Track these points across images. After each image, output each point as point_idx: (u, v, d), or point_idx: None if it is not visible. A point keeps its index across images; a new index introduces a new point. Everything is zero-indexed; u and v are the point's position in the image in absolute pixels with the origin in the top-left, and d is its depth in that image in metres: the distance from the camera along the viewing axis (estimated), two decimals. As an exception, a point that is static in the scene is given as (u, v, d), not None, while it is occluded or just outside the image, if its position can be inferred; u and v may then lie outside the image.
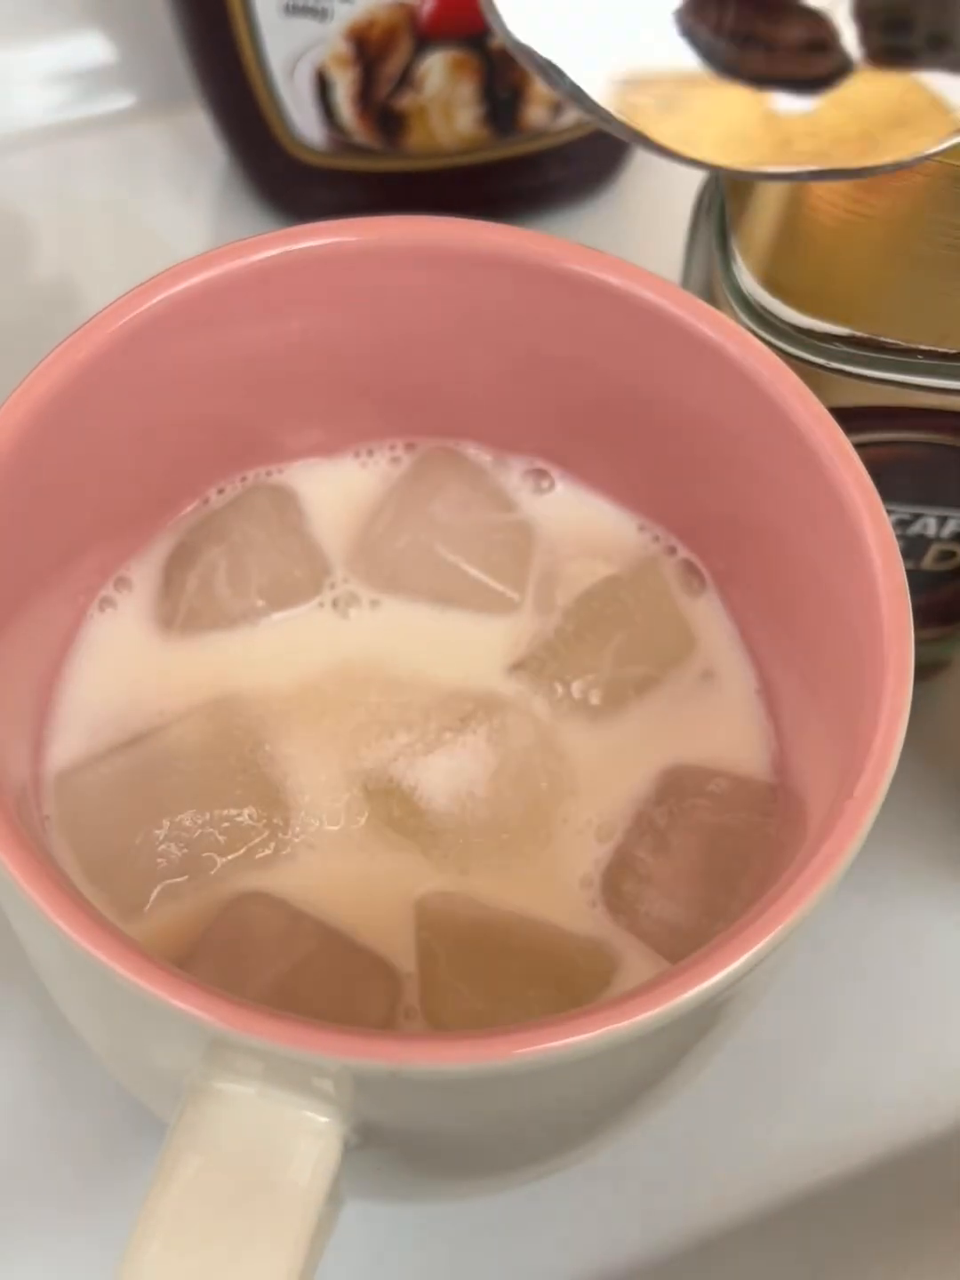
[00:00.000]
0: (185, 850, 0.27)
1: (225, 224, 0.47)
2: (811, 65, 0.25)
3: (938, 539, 0.32)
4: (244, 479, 0.32)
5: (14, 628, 0.27)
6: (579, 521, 0.32)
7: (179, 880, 0.27)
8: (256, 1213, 0.22)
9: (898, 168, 0.25)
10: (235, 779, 0.28)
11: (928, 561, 0.33)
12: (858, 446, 0.26)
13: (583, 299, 0.28)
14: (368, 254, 0.28)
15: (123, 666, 0.30)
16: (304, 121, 0.42)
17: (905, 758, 0.24)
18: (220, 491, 0.32)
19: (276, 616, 0.31)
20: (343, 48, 0.40)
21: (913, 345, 0.28)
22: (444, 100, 0.42)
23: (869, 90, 0.25)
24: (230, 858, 0.28)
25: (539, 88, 0.42)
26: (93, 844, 0.27)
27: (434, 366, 0.30)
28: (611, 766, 0.29)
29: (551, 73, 0.25)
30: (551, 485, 0.32)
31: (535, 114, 0.43)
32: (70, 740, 0.29)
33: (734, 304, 0.29)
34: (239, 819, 0.28)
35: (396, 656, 0.30)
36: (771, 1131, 0.35)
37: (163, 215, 0.47)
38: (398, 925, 0.27)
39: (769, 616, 0.30)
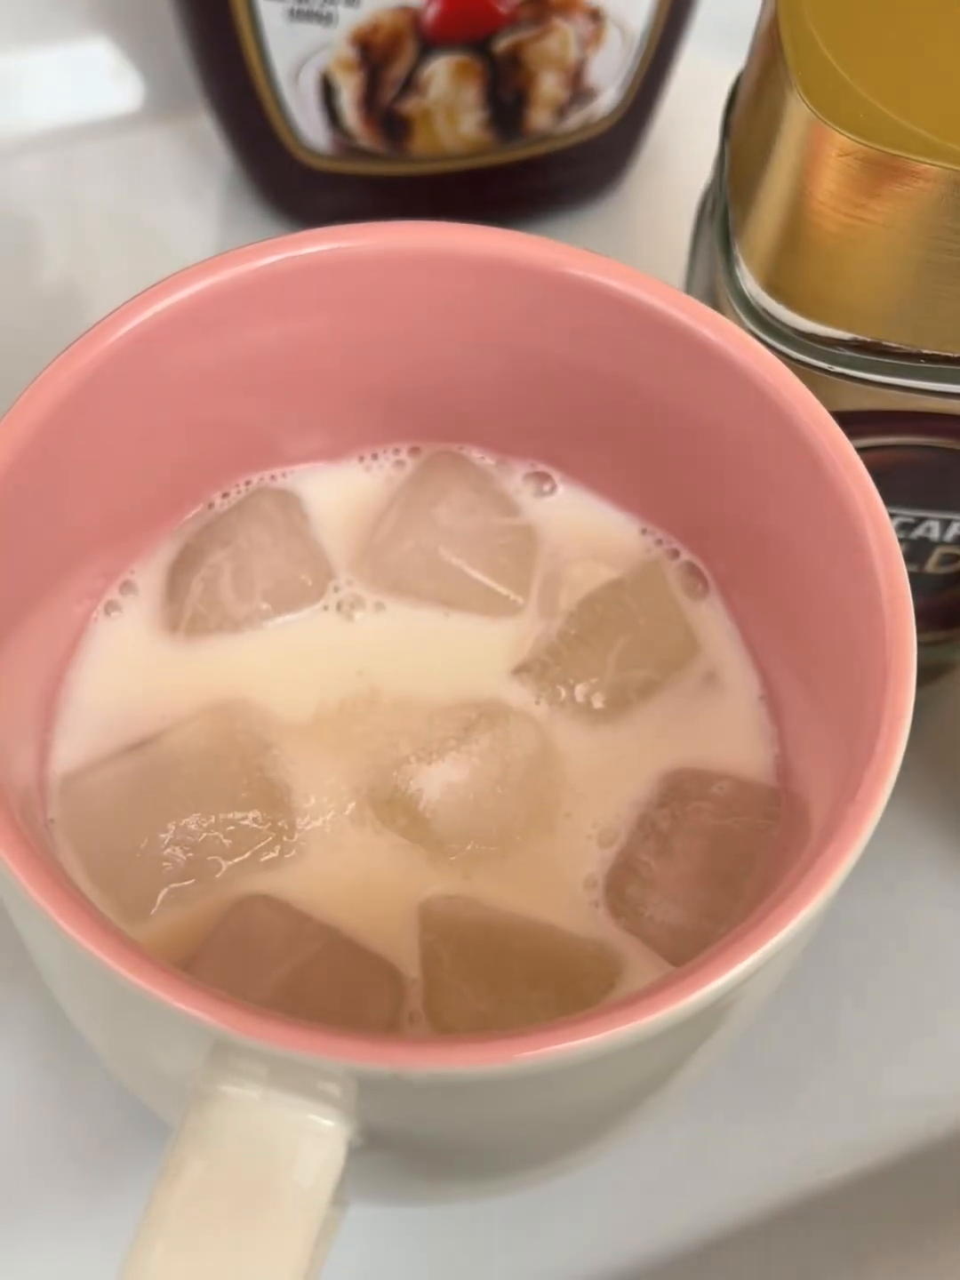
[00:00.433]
0: (190, 854, 0.27)
1: (230, 228, 0.47)
2: None
3: (941, 543, 0.32)
4: (248, 483, 0.32)
5: (20, 631, 0.27)
6: (581, 524, 0.32)
7: (184, 884, 0.27)
8: (260, 1215, 0.22)
9: None
10: (240, 782, 0.28)
11: (931, 565, 0.33)
12: (861, 450, 0.26)
13: (586, 303, 0.28)
14: (372, 259, 0.28)
15: (128, 670, 0.30)
16: (309, 125, 0.43)
17: (909, 760, 0.24)
18: (224, 496, 0.32)
19: (281, 620, 0.31)
20: (347, 52, 0.40)
21: (916, 350, 0.28)
22: (448, 104, 0.42)
23: None
24: (235, 861, 0.28)
25: (542, 91, 0.42)
26: (98, 848, 0.28)
27: (438, 371, 0.30)
28: (615, 770, 0.29)
29: None
30: (553, 488, 0.32)
31: (539, 118, 0.43)
32: (75, 744, 0.29)
33: (737, 308, 0.29)
34: (244, 822, 0.28)
35: (401, 660, 0.30)
36: (774, 1134, 0.35)
37: (168, 219, 0.47)
38: (402, 928, 0.27)
39: (772, 620, 0.30)
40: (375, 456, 0.32)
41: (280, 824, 0.28)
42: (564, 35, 0.41)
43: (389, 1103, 0.23)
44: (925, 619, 0.26)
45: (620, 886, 0.28)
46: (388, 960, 0.27)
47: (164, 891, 0.27)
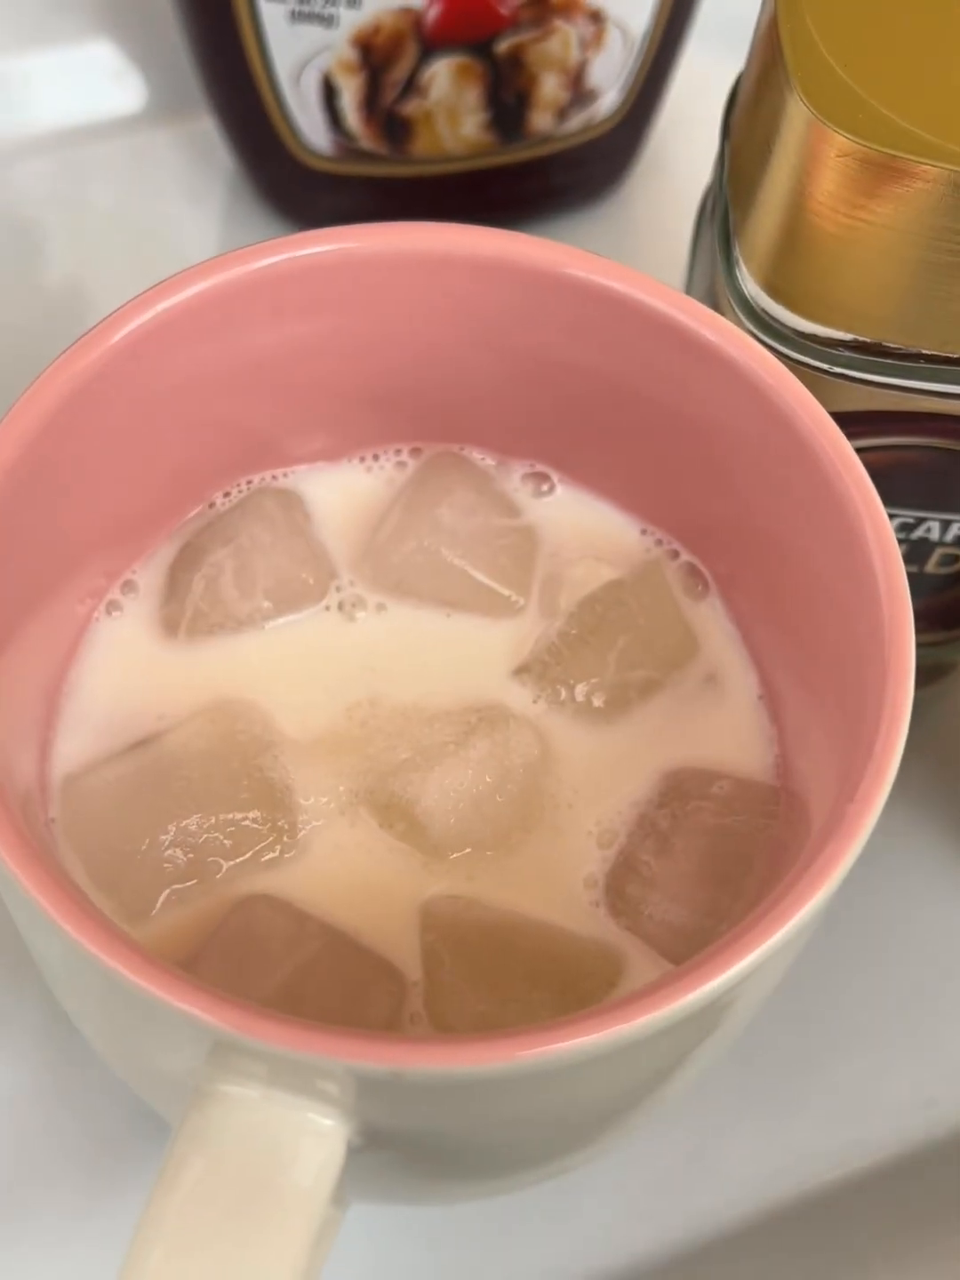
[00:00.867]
0: (191, 855, 0.27)
1: (232, 229, 0.47)
2: None
3: (941, 543, 0.33)
4: (249, 482, 0.32)
5: (22, 632, 0.27)
6: (581, 524, 0.32)
7: (185, 885, 0.27)
8: (260, 1215, 0.22)
9: None
10: (240, 783, 0.28)
11: (931, 566, 0.33)
12: (860, 451, 0.26)
13: (587, 304, 0.28)
14: (374, 260, 0.28)
15: (129, 670, 0.30)
16: (310, 127, 0.43)
17: (910, 760, 0.24)
18: (226, 495, 0.32)
19: (282, 619, 0.31)
20: (349, 54, 0.40)
21: (915, 350, 0.28)
22: (449, 106, 0.42)
23: None
24: (236, 861, 0.28)
25: (544, 93, 0.42)
26: (98, 849, 0.28)
27: (439, 371, 0.31)
28: (615, 769, 0.30)
29: None
30: (551, 488, 0.32)
31: (540, 120, 0.43)
32: (77, 744, 0.29)
33: (737, 309, 0.29)
34: (244, 823, 0.28)
35: (402, 660, 0.30)
36: (776, 1134, 0.35)
37: (170, 220, 0.47)
38: (403, 928, 0.27)
39: (771, 620, 0.30)
40: (376, 457, 0.32)
41: (281, 824, 0.28)
42: (565, 37, 0.41)
43: (389, 1102, 0.23)
44: (925, 620, 0.26)
45: (620, 886, 0.28)
46: (389, 960, 0.27)
47: (165, 893, 0.27)
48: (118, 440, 0.28)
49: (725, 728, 0.30)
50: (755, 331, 0.29)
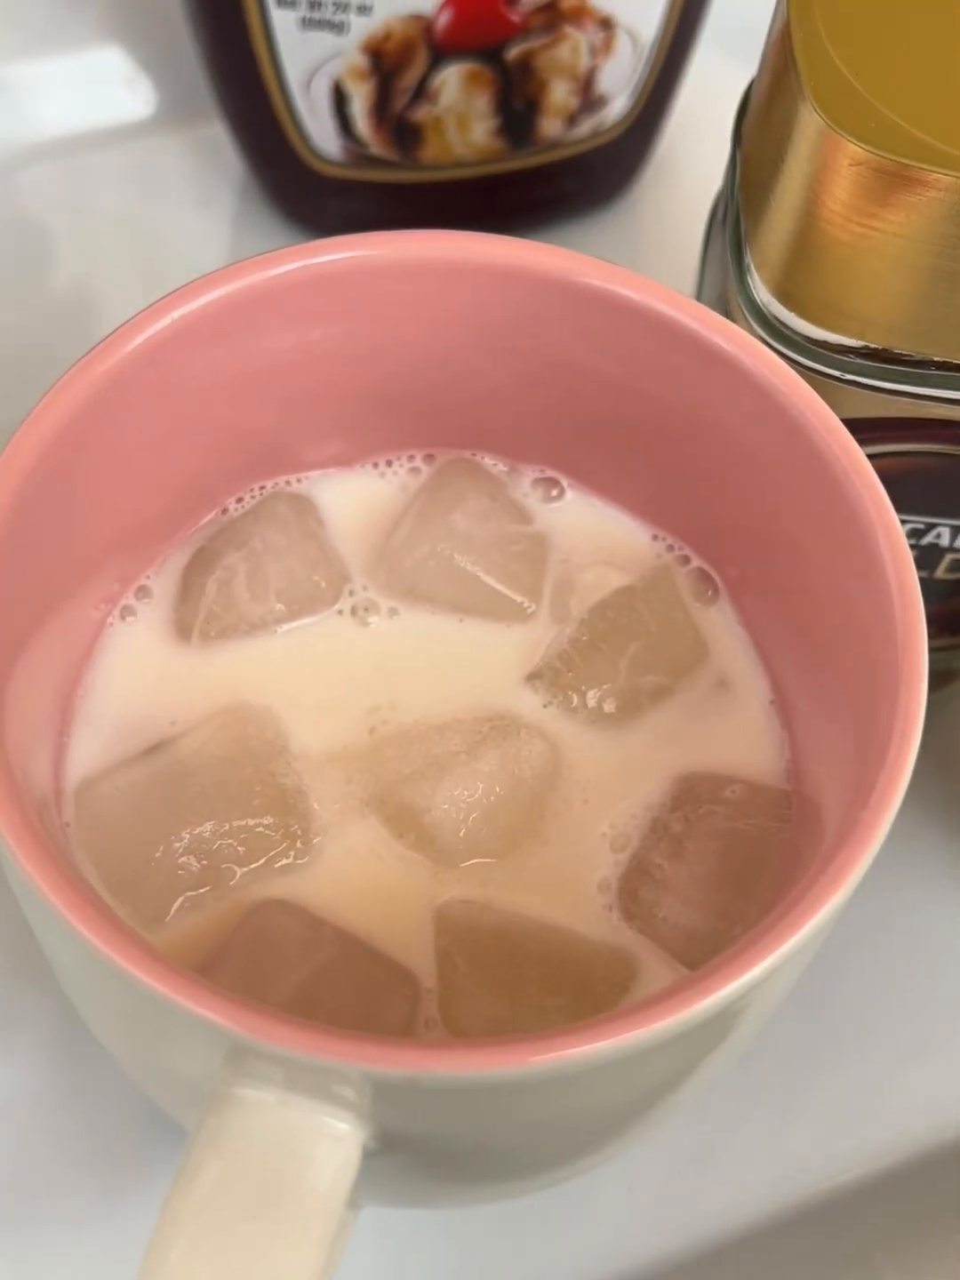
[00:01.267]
0: (205, 862, 0.27)
1: (242, 235, 0.47)
2: None
3: (951, 549, 0.33)
4: (262, 488, 0.32)
5: (37, 638, 0.27)
6: (591, 530, 0.32)
7: (199, 892, 0.28)
8: (277, 1218, 0.22)
9: None
10: (253, 789, 0.28)
11: (940, 571, 0.33)
12: (871, 458, 0.27)
13: (598, 311, 0.28)
14: (386, 268, 0.28)
15: (143, 675, 0.30)
16: (321, 133, 0.43)
17: (916, 765, 0.24)
18: (239, 502, 0.32)
19: (295, 623, 0.31)
20: (359, 60, 0.40)
21: (927, 357, 0.28)
22: (459, 112, 0.42)
23: None
24: (250, 867, 0.28)
25: (553, 99, 0.42)
26: (112, 856, 0.28)
27: (451, 378, 0.31)
28: (627, 774, 0.30)
29: None
30: (561, 493, 0.33)
31: (549, 126, 0.43)
32: (91, 749, 0.29)
33: (748, 316, 0.29)
34: (257, 829, 0.28)
35: (414, 665, 0.30)
36: (784, 1138, 0.35)
37: (180, 226, 0.47)
38: (417, 932, 0.28)
39: (782, 625, 0.30)
40: (390, 463, 0.32)
41: (294, 829, 0.28)
42: (575, 43, 0.41)
43: (405, 1106, 0.23)
44: (934, 625, 0.26)
45: (633, 889, 0.28)
46: (404, 965, 0.27)
47: (179, 900, 0.27)
48: (133, 446, 0.28)
49: (737, 732, 0.30)
50: (766, 338, 0.29)
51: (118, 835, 0.28)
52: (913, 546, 0.32)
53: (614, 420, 0.31)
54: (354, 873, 0.28)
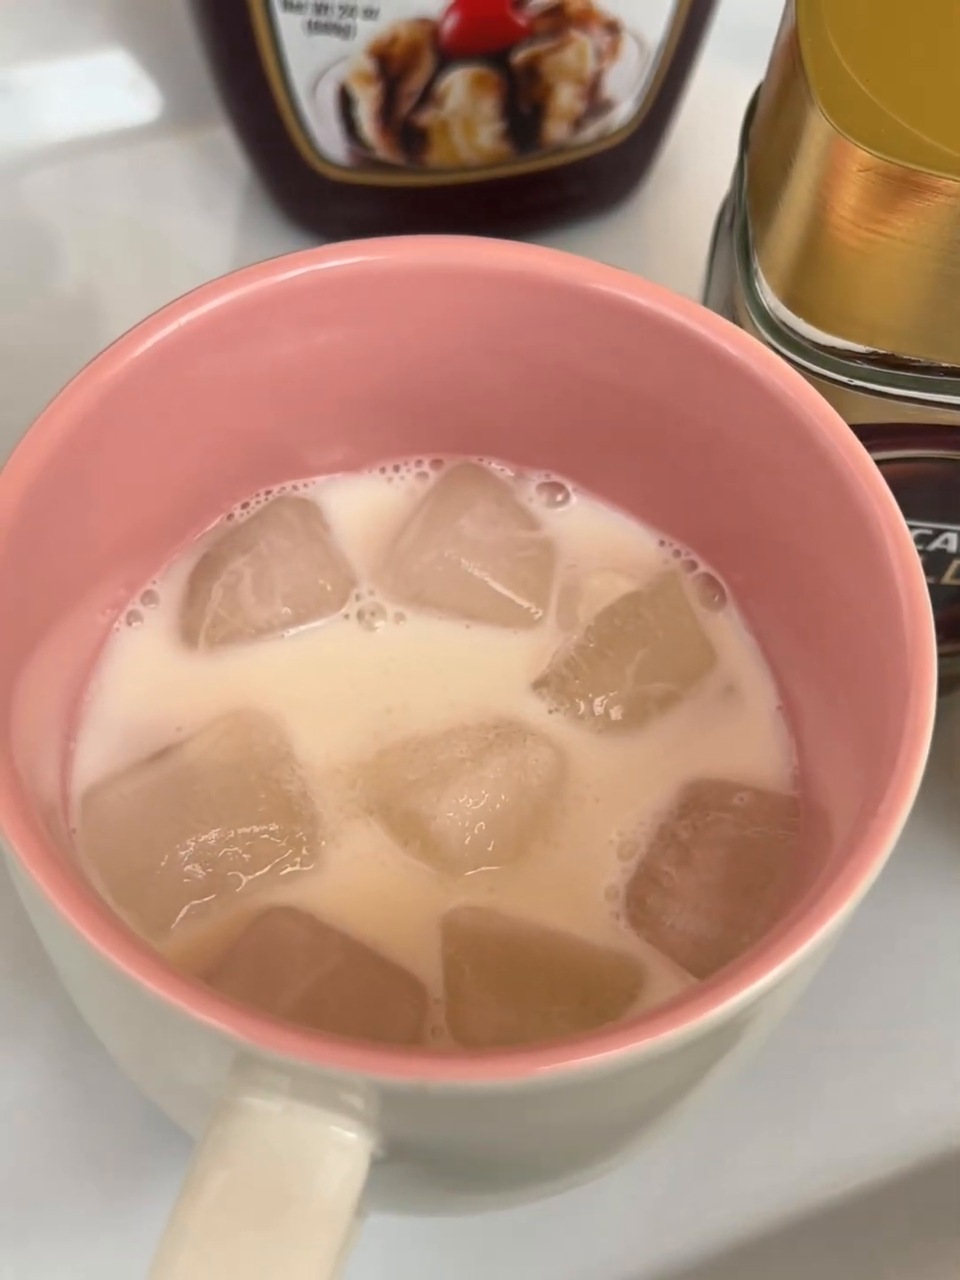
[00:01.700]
0: (210, 869, 0.27)
1: (247, 239, 0.47)
2: None
3: (958, 555, 0.33)
4: (268, 493, 0.32)
5: (44, 643, 0.27)
6: (598, 535, 0.32)
7: (205, 900, 0.27)
8: (284, 1227, 0.22)
9: None
10: (258, 795, 0.28)
11: (948, 577, 0.33)
12: (879, 463, 0.26)
13: (605, 317, 0.28)
14: (393, 273, 0.28)
15: (149, 680, 0.30)
16: (326, 137, 0.43)
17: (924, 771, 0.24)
18: (244, 506, 0.32)
19: (301, 628, 0.31)
20: (365, 64, 0.40)
21: (935, 363, 0.28)
22: (465, 116, 0.42)
23: None
24: (255, 875, 0.28)
25: (559, 103, 0.42)
26: (118, 863, 0.28)
27: (457, 383, 0.31)
28: (634, 781, 0.30)
29: None
30: (566, 498, 0.33)
31: (556, 130, 0.43)
32: (98, 755, 0.29)
33: (756, 321, 0.29)
34: (263, 836, 0.28)
35: (421, 671, 0.30)
36: (790, 1146, 0.35)
37: (185, 230, 0.47)
38: (424, 940, 0.27)
39: (790, 631, 0.30)
40: (397, 468, 0.32)
41: (299, 836, 0.28)
42: (581, 47, 0.41)
43: (412, 1115, 0.23)
44: (940, 631, 0.26)
45: (641, 897, 0.28)
46: (410, 973, 0.27)
47: (185, 908, 0.27)
48: (140, 451, 0.28)
49: (744, 739, 0.30)
50: (774, 344, 0.29)
51: (123, 844, 0.28)
52: (920, 552, 0.32)
53: (620, 425, 0.31)
54: (360, 880, 0.28)
